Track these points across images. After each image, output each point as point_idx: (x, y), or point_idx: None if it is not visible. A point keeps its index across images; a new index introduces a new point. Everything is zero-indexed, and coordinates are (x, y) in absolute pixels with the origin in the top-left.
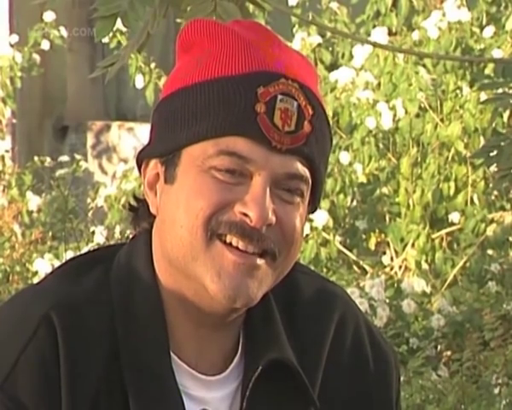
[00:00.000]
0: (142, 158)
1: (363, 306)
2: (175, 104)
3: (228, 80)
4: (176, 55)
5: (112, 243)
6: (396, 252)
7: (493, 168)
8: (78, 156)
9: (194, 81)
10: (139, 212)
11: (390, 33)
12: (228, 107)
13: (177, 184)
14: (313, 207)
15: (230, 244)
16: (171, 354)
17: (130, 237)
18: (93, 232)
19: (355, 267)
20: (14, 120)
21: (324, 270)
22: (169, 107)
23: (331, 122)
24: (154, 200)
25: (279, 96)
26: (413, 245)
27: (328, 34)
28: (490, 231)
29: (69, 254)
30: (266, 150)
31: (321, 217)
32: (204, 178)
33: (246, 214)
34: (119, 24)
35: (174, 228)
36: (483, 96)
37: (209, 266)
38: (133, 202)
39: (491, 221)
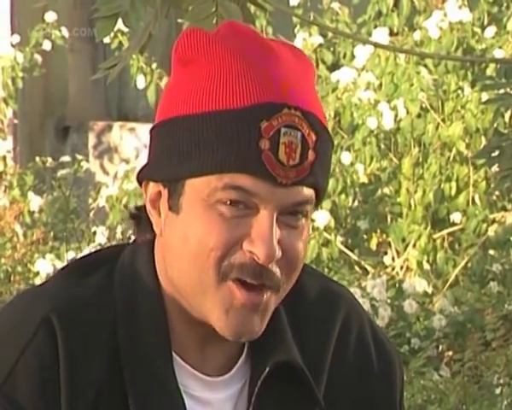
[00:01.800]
0: (142, 178)
1: (364, 306)
2: (176, 132)
3: (230, 114)
4: (172, 65)
5: (113, 243)
6: (397, 252)
7: (495, 168)
8: (79, 157)
9: (196, 111)
10: (141, 222)
11: (391, 33)
12: (232, 143)
13: (183, 216)
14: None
15: (239, 279)
16: (174, 355)
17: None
18: (94, 233)
19: (356, 268)
20: (16, 121)
21: (326, 270)
22: (170, 133)
23: (333, 122)
24: (158, 221)
25: (283, 130)
26: (414, 245)
27: (330, 34)
28: (491, 231)
29: (70, 255)
30: (271, 186)
31: (322, 217)
32: (211, 215)
33: (253, 252)
34: (120, 24)
35: (182, 262)
36: (484, 96)
37: (218, 303)
38: (134, 211)
39: (493, 221)
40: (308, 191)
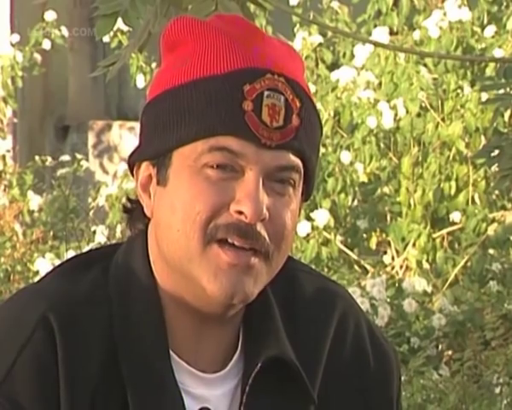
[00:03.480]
0: (133, 161)
1: (364, 305)
2: (162, 106)
3: (214, 79)
4: (161, 55)
5: (113, 242)
6: (397, 251)
7: (494, 168)
8: (79, 156)
9: (180, 82)
10: (134, 213)
11: (391, 33)
12: (215, 107)
13: (170, 186)
14: (307, 195)
15: (226, 241)
16: (170, 352)
17: (128, 236)
18: (94, 232)
19: (356, 267)
20: (16, 120)
21: (325, 269)
22: (156, 109)
23: (332, 122)
24: (149, 202)
25: (266, 92)
26: (414, 244)
27: (330, 34)
28: (491, 230)
29: (70, 254)
30: (256, 147)
31: (322, 216)
32: (197, 180)
33: (241, 212)
34: (120, 23)
35: (170, 231)
36: (484, 95)
37: (205, 267)
38: (127, 204)
39: (493, 221)
40: (294, 158)
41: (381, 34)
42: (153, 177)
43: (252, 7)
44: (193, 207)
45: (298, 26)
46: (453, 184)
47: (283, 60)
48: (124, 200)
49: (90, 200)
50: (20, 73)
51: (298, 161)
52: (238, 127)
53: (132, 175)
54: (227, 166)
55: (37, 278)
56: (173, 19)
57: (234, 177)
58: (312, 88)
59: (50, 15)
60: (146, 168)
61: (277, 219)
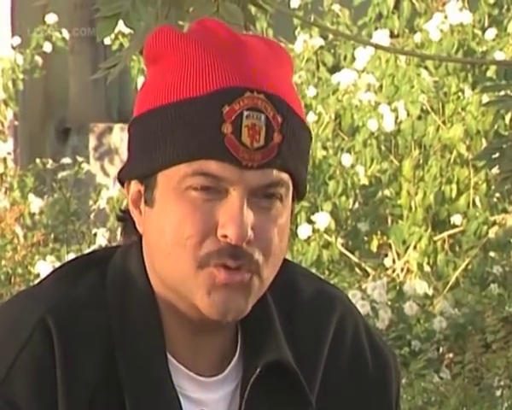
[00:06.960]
0: (122, 178)
1: (364, 308)
2: (146, 126)
3: (193, 102)
4: (145, 66)
5: (114, 245)
6: (398, 254)
7: (495, 170)
8: (80, 158)
9: (162, 103)
10: (127, 225)
11: (392, 35)
12: (196, 130)
13: (157, 208)
14: (300, 197)
15: (219, 264)
16: (168, 355)
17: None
18: (95, 234)
19: (357, 270)
20: (16, 122)
21: (326, 272)
22: (141, 128)
23: (333, 124)
24: (140, 219)
25: (245, 113)
26: (415, 247)
27: (331, 36)
28: (492, 233)
29: (71, 257)
30: (238, 169)
31: (323, 219)
32: (183, 202)
33: (226, 235)
34: (121, 26)
35: (162, 253)
36: (485, 98)
37: (199, 286)
38: (120, 214)
39: (494, 223)
40: (278, 174)
41: (381, 37)
42: (142, 194)
43: (253, 9)
44: (181, 231)
45: (299, 28)
46: (454, 186)
47: (266, 69)
48: (126, 202)
49: (91, 202)
50: (20, 76)
51: (283, 176)
52: (218, 152)
53: (123, 188)
54: (210, 188)
55: (37, 281)
56: (154, 30)
57: (218, 197)
58: (313, 91)
59: (51, 18)
60: (135, 185)
61: (263, 235)
